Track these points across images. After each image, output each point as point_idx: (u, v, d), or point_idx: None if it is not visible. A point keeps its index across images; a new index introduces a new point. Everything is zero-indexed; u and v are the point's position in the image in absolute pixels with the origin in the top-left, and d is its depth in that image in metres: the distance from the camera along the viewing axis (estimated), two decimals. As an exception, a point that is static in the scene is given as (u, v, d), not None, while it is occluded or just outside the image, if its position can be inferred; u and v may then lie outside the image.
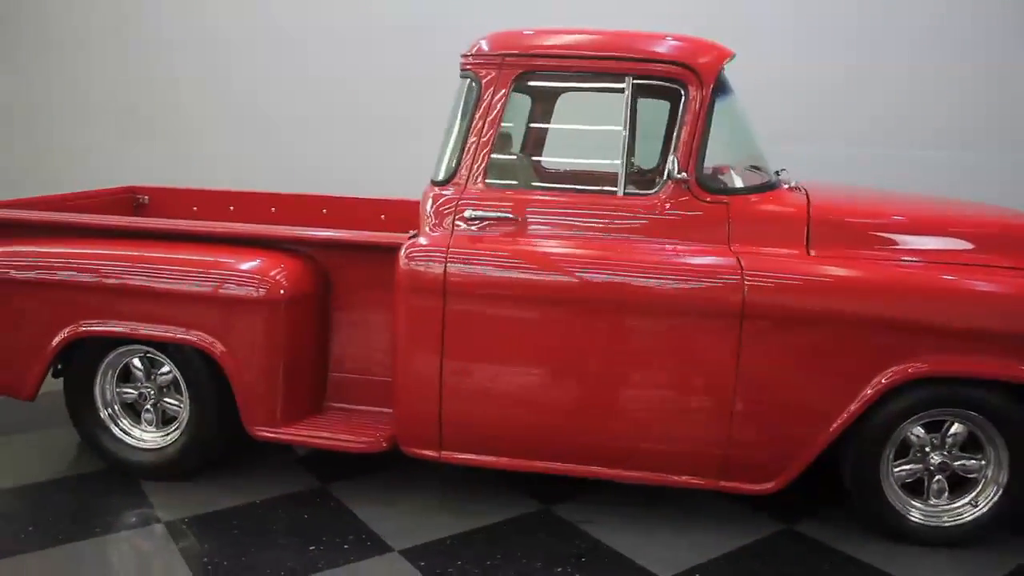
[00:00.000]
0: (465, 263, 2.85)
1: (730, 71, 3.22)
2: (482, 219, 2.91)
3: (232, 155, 5.92)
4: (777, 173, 3.27)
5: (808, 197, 2.99)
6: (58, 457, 3.41)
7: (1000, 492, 2.83)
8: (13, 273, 3.15)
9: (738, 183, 3.06)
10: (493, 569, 2.68)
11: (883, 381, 2.71)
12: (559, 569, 2.69)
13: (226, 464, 3.34)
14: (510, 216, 2.90)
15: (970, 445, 2.86)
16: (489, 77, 2.95)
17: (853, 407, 2.74)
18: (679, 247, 2.82)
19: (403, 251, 2.91)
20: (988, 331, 2.67)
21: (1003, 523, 2.89)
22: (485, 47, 2.98)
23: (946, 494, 2.89)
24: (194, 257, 3.09)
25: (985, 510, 2.85)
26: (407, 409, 2.99)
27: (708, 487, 2.88)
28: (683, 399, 2.82)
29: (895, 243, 2.85)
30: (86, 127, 6.30)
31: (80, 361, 3.22)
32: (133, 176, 5.05)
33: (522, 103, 3.53)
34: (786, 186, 3.13)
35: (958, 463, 2.86)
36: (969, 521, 2.86)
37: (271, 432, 3.09)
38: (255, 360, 3.06)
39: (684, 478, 2.89)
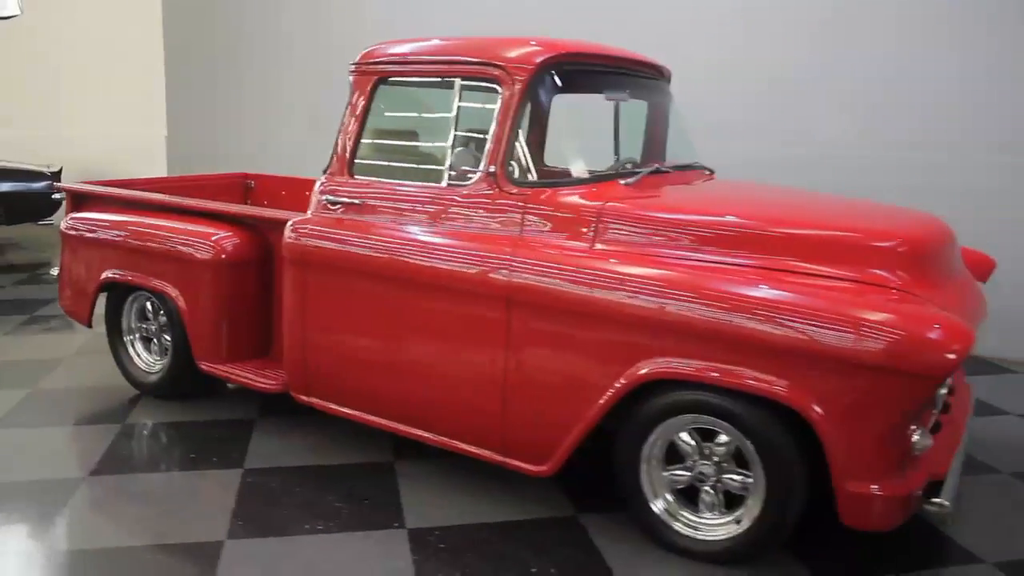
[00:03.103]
0: (317, 239, 3.38)
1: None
2: (337, 204, 3.40)
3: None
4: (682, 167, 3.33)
5: (621, 193, 3.02)
6: (107, 373, 4.54)
7: (751, 520, 2.66)
8: (79, 232, 4.33)
9: (568, 175, 3.18)
10: (289, 494, 3.20)
11: (622, 379, 2.71)
12: (338, 505, 3.12)
13: (210, 392, 4.22)
14: (357, 202, 3.36)
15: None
16: (356, 81, 3.42)
17: (602, 401, 2.77)
18: (472, 233, 3.05)
19: (287, 227, 3.52)
20: (734, 338, 2.53)
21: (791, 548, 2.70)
22: (358, 56, 3.45)
23: (718, 508, 2.76)
24: (171, 225, 3.99)
25: (731, 535, 2.71)
26: (288, 359, 3.59)
27: (495, 462, 3.07)
28: (466, 373, 3.05)
29: (697, 245, 2.78)
30: (280, 124, 7.75)
31: (114, 300, 4.32)
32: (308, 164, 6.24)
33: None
34: (623, 182, 3.17)
35: (728, 477, 2.72)
36: (720, 540, 2.73)
37: (210, 367, 3.89)
38: (201, 309, 3.87)
39: (473, 448, 3.11)
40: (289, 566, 2.72)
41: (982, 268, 3.59)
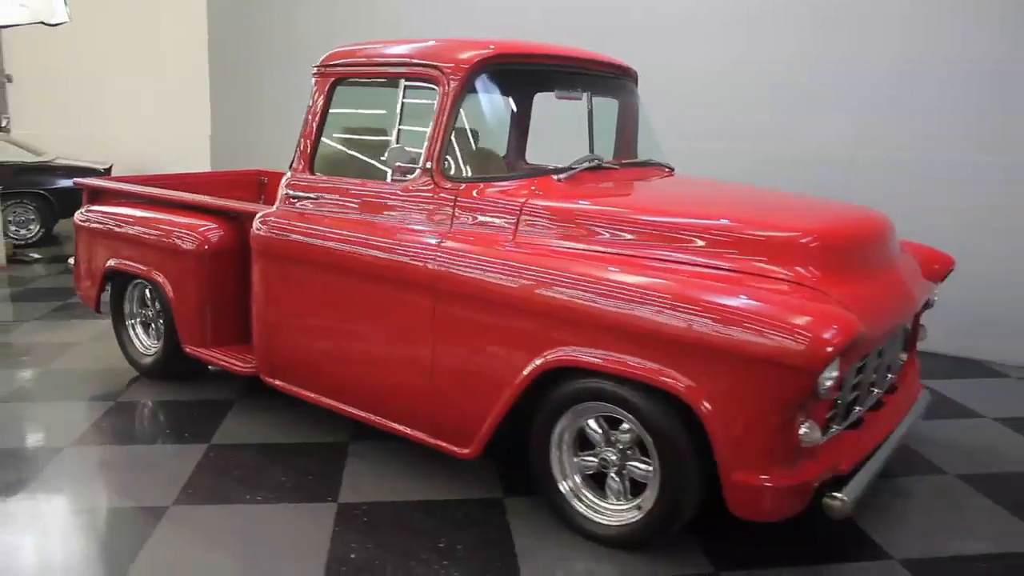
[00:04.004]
0: (279, 231, 3.60)
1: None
2: (296, 198, 3.62)
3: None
4: (598, 166, 3.42)
5: (549, 188, 3.12)
6: (115, 356, 4.87)
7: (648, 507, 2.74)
8: (89, 224, 4.68)
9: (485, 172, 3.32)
10: (242, 468, 3.43)
11: (532, 366, 2.82)
12: (283, 479, 3.33)
13: (200, 374, 4.51)
14: (314, 196, 3.56)
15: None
16: (316, 83, 3.63)
17: (514, 386, 2.89)
18: (410, 227, 3.21)
19: (255, 220, 3.75)
20: (625, 328, 2.61)
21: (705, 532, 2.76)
22: (319, 59, 3.65)
23: (623, 495, 2.85)
24: (163, 217, 4.28)
25: (630, 520, 2.79)
26: (256, 343, 3.83)
27: (428, 444, 3.22)
28: (400, 357, 3.21)
29: (608, 238, 2.88)
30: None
31: (117, 287, 4.65)
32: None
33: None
34: (556, 177, 3.27)
35: (632, 465, 2.81)
36: (618, 525, 2.82)
37: (194, 350, 4.16)
38: (186, 296, 4.15)
39: (408, 430, 3.27)
40: (219, 529, 2.94)
41: (939, 266, 3.55)
